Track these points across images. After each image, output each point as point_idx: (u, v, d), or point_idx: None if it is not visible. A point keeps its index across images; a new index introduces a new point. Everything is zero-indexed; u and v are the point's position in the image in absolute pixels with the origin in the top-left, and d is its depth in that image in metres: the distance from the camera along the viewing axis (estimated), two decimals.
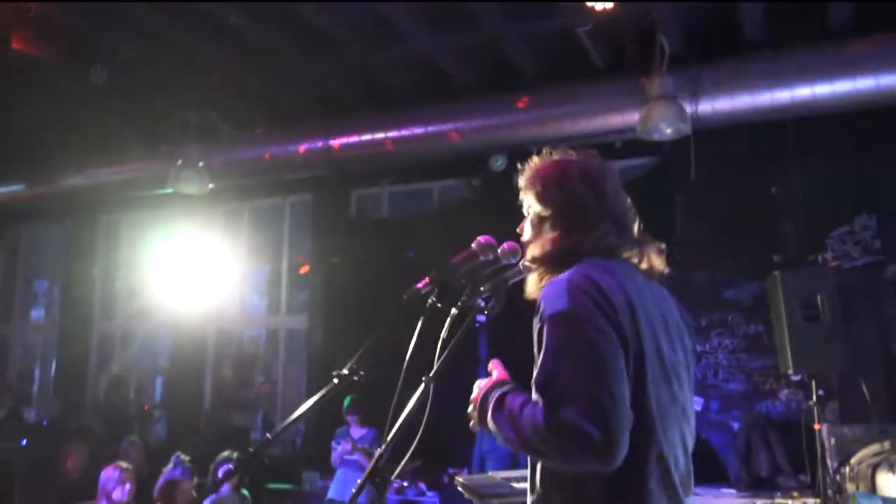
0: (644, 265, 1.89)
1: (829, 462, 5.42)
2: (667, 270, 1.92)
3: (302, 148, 6.69)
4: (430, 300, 1.93)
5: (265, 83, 6.39)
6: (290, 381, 8.55)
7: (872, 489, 5.07)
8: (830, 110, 5.49)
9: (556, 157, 2.00)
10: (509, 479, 2.38)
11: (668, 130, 5.26)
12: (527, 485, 2.27)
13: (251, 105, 6.82)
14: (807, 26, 5.48)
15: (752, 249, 6.42)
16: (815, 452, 5.34)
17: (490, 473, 2.50)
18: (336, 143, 6.58)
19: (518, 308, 2.03)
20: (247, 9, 5.44)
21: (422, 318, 2.04)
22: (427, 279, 1.95)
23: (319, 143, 6.64)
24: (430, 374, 2.03)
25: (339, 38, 5.84)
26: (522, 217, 2.08)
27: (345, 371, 1.86)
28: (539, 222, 1.93)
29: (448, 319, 2.08)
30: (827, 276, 5.65)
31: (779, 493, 5.66)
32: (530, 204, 1.96)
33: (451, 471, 6.63)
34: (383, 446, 2.00)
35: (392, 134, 6.40)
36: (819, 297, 5.37)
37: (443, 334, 2.08)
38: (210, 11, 5.43)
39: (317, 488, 7.20)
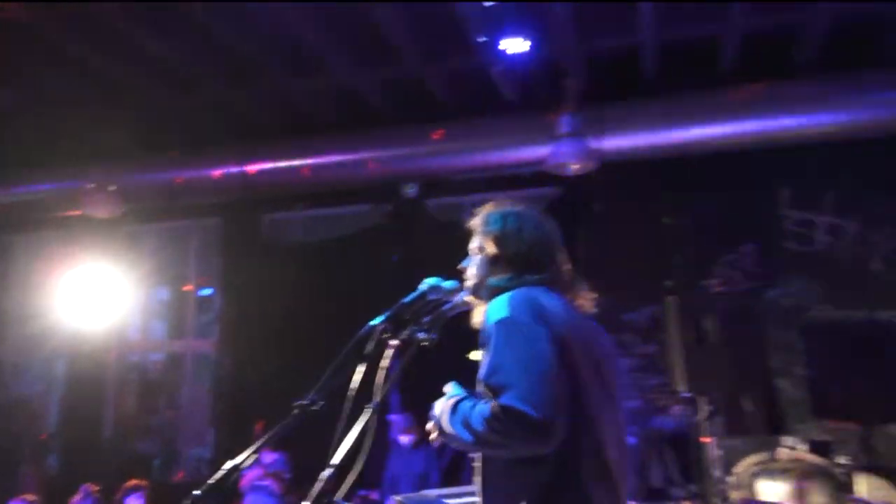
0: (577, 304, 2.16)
1: (715, 472, 5.85)
2: (594, 311, 2.18)
3: (216, 173, 6.66)
4: (384, 335, 2.10)
5: (180, 107, 6.34)
6: (195, 407, 8.39)
7: (753, 495, 5.51)
8: (719, 149, 5.98)
9: (508, 206, 2.24)
10: (442, 496, 2.54)
11: (575, 167, 5.61)
12: (462, 500, 2.47)
13: (165, 128, 6.73)
14: (699, 72, 5.96)
15: (648, 275, 6.82)
16: (704, 464, 5.76)
17: (424, 492, 2.66)
18: (252, 168, 6.60)
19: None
20: (165, 33, 5.44)
21: (369, 351, 2.20)
22: (382, 316, 2.12)
23: (234, 169, 6.63)
24: (374, 402, 2.20)
25: (260, 66, 5.90)
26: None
27: (305, 401, 1.99)
28: (492, 262, 2.16)
29: (389, 350, 2.26)
30: (714, 300, 6.15)
31: (671, 503, 6.05)
32: (485, 244, 2.18)
33: (361, 493, 6.69)
34: (329, 469, 2.14)
35: (309, 161, 6.48)
36: (707, 321, 5.85)
37: (383, 364, 2.26)
38: (124, 33, 5.38)
39: None
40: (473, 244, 2.22)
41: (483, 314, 2.05)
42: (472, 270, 2.22)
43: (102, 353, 8.44)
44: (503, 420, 1.76)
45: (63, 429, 8.67)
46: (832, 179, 6.60)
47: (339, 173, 6.51)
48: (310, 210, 8.07)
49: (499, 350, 1.87)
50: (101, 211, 6.34)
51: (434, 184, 7.06)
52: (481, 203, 2.37)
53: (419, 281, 2.35)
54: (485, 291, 2.14)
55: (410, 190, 7.29)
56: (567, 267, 2.20)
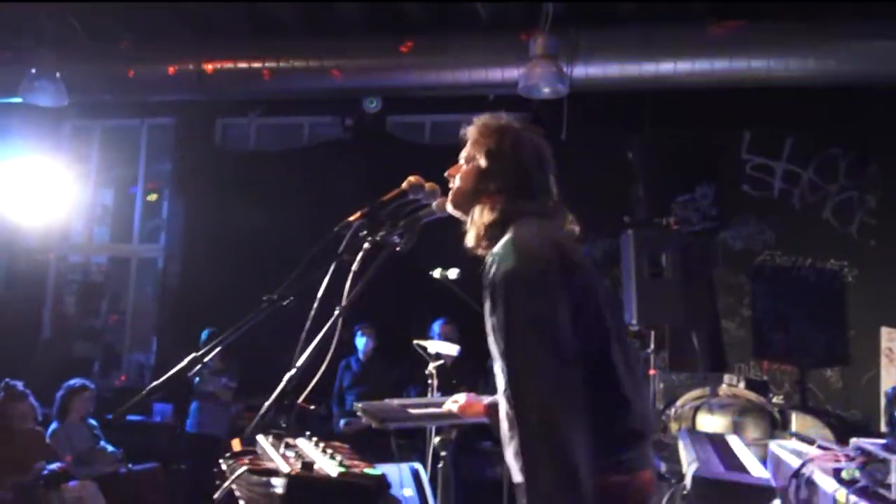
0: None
1: (658, 405, 6.04)
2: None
3: (171, 68, 6.31)
4: (360, 233, 1.99)
5: None
6: (140, 313, 8.25)
7: (693, 427, 5.72)
8: (687, 85, 5.91)
9: (505, 120, 2.05)
10: (405, 406, 2.51)
11: (546, 90, 5.48)
12: (425, 410, 2.43)
13: (116, 17, 6.32)
14: (674, 6, 5.84)
15: (608, 209, 6.83)
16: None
17: (386, 400, 2.62)
18: (209, 66, 6.27)
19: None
20: None
21: (343, 250, 2.09)
22: (359, 213, 2.01)
23: (191, 66, 6.28)
24: (343, 305, 2.11)
25: None
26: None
27: (274, 296, 1.90)
28: (481, 178, 1.98)
29: (360, 253, 2.15)
30: (671, 238, 6.21)
31: None
32: (477, 157, 2.00)
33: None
34: (293, 370, 2.07)
35: (270, 64, 6.18)
36: (664, 257, 5.90)
37: (354, 267, 2.15)
38: None
39: (169, 420, 7.07)
40: (463, 153, 2.05)
41: (477, 244, 1.94)
42: (457, 180, 2.05)
43: (42, 253, 8.17)
44: (532, 411, 1.61)
45: None
46: (793, 127, 6.65)
47: (300, 79, 6.22)
48: (266, 118, 7.83)
49: (509, 316, 1.70)
50: (44, 99, 5.96)
51: (395, 100, 6.85)
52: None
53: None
54: (469, 206, 1.99)
55: (372, 105, 7.08)
56: (557, 192, 2.03)
